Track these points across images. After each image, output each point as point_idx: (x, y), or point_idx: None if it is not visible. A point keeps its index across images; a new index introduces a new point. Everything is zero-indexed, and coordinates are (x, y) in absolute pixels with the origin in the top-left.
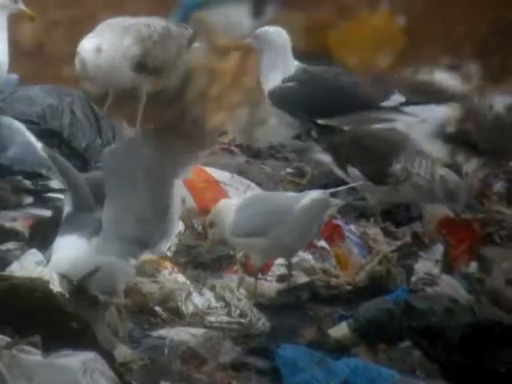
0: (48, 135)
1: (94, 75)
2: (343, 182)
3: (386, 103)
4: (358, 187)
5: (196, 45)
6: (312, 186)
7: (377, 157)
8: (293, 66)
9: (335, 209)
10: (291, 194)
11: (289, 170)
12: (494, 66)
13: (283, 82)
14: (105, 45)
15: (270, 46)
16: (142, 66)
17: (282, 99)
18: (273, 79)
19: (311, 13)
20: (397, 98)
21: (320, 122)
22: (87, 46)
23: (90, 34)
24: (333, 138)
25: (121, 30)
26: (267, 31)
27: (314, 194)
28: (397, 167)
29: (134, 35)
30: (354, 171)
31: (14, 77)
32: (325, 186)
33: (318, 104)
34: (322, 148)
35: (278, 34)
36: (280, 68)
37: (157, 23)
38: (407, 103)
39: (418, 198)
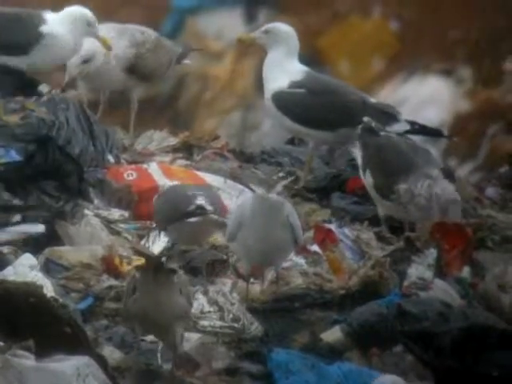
0: (42, 141)
1: (82, 73)
2: (337, 187)
3: (389, 129)
4: (372, 196)
5: (186, 61)
6: (306, 190)
7: (388, 171)
8: (298, 68)
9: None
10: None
11: (281, 174)
12: (486, 71)
13: (291, 86)
14: (100, 46)
15: (280, 43)
16: (133, 69)
17: (289, 105)
18: (277, 80)
19: (304, 18)
20: (401, 126)
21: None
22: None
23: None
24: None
25: (118, 31)
26: (279, 27)
27: (248, 197)
28: (402, 187)
29: (130, 38)
30: (369, 177)
31: None
32: (318, 191)
33: (323, 116)
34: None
35: (288, 32)
36: (286, 68)
37: (151, 32)
38: (411, 132)
39: (418, 216)
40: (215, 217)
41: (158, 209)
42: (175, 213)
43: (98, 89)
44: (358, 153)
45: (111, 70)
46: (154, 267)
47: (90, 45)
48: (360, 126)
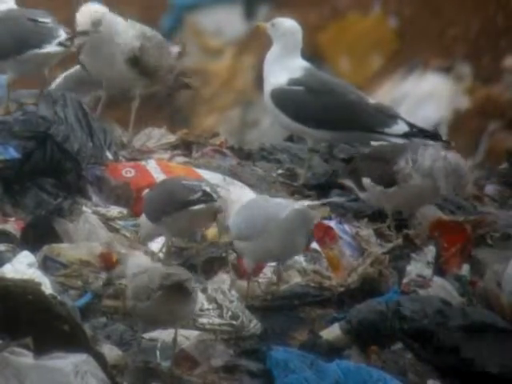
0: (40, 138)
1: (91, 38)
2: (336, 184)
3: (388, 130)
4: (373, 201)
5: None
6: (305, 187)
7: (384, 161)
8: (299, 64)
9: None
10: (280, 200)
11: (280, 171)
12: (485, 68)
13: (290, 83)
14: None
15: (281, 38)
16: (136, 62)
17: (287, 102)
18: (277, 76)
19: (303, 14)
20: (400, 128)
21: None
22: (90, 9)
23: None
24: (349, 166)
25: (128, 23)
26: (283, 22)
27: (295, 207)
28: (401, 163)
29: (139, 30)
30: (367, 181)
31: (4, 78)
32: (318, 188)
33: (322, 115)
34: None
35: (290, 28)
36: (286, 65)
37: (156, 32)
38: (410, 134)
39: (422, 190)
40: (219, 204)
41: (152, 200)
42: (175, 202)
43: (101, 79)
44: (349, 182)
45: (114, 59)
46: (179, 288)
47: (98, 7)
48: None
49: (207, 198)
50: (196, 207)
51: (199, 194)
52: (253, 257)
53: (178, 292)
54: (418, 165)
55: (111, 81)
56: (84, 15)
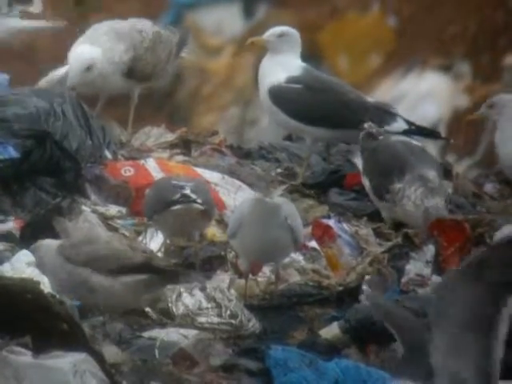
0: (40, 137)
1: (84, 81)
2: (335, 183)
3: (387, 127)
4: (373, 200)
5: (184, 52)
6: (303, 186)
7: (383, 171)
8: (297, 64)
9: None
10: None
11: (279, 170)
12: (485, 66)
13: (288, 81)
14: (99, 53)
15: (292, 47)
16: (131, 73)
17: (285, 100)
18: (275, 74)
19: (302, 13)
20: (399, 125)
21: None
22: (82, 55)
23: (82, 39)
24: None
25: (115, 36)
26: (293, 31)
27: (251, 197)
28: (397, 186)
29: (127, 42)
30: (366, 182)
31: (5, 77)
32: (316, 187)
33: (320, 113)
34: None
35: (298, 36)
36: (284, 64)
37: (148, 28)
38: (409, 131)
39: (403, 220)
40: (198, 206)
41: (146, 199)
42: (161, 202)
43: (98, 93)
44: (358, 160)
45: (109, 76)
46: (168, 278)
47: (89, 51)
48: (361, 133)
49: (185, 199)
50: (175, 207)
51: (178, 195)
52: (242, 255)
53: (164, 280)
54: (402, 203)
55: (110, 91)
56: (74, 64)
